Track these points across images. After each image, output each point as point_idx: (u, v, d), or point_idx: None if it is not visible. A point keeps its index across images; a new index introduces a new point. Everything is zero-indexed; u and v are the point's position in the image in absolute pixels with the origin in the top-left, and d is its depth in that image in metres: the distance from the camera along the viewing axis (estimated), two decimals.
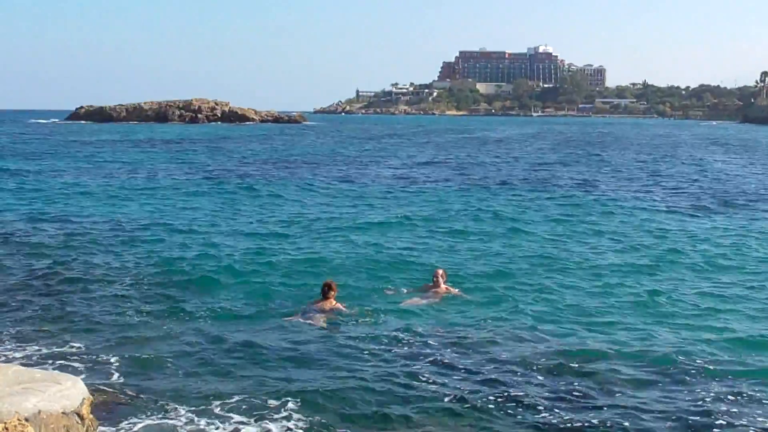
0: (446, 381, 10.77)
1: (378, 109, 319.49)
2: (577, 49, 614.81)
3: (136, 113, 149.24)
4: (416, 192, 34.46)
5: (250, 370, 11.29)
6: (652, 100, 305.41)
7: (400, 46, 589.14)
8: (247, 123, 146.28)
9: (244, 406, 9.88)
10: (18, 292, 15.56)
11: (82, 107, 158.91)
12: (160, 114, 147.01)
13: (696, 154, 66.91)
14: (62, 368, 10.90)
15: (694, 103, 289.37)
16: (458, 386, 10.54)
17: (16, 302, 14.78)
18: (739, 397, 10.20)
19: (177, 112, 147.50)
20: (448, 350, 12.16)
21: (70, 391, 7.72)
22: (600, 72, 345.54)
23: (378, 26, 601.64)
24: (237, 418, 9.54)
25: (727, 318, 13.97)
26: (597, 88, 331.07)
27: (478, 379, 10.89)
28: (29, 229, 22.97)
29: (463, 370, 11.25)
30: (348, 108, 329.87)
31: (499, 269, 17.91)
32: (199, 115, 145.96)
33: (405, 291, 15.84)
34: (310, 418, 9.54)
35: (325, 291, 14.28)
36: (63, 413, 7.46)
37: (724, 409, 9.86)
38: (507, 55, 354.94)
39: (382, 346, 12.29)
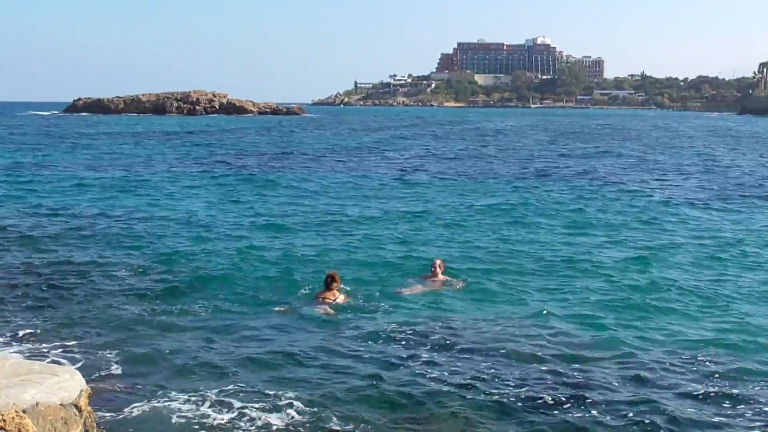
0: (445, 373, 10.76)
1: (376, 101, 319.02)
2: (575, 40, 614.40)
3: (134, 105, 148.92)
4: (415, 184, 34.44)
5: (248, 361, 11.27)
6: (651, 91, 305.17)
7: (398, 38, 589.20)
8: (246, 115, 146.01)
9: (242, 397, 9.88)
10: (15, 284, 15.52)
11: (80, 99, 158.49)
12: (158, 106, 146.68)
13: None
14: (60, 360, 10.90)
15: (692, 94, 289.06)
16: (458, 381, 10.51)
17: (14, 294, 14.76)
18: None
19: (175, 104, 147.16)
20: (447, 343, 12.14)
21: (68, 383, 7.69)
22: (598, 63, 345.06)
23: (376, 18, 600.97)
24: (235, 408, 9.53)
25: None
26: (595, 80, 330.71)
27: (477, 373, 10.85)
28: (25, 222, 22.94)
29: (461, 364, 11.23)
30: (346, 100, 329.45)
31: (498, 262, 17.90)
32: (197, 107, 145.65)
33: (404, 281, 15.91)
34: (309, 409, 9.54)
35: (328, 282, 14.36)
36: (61, 405, 7.43)
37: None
38: (505, 47, 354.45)
39: (382, 339, 12.28)
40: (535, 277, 16.38)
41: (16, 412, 6.94)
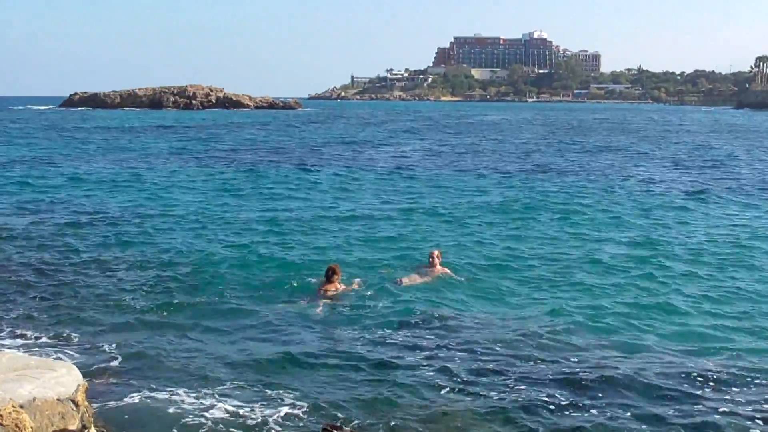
0: (445, 369, 10.72)
1: (373, 95, 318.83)
2: (572, 34, 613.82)
3: (131, 99, 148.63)
4: (414, 178, 34.41)
5: (247, 356, 11.23)
6: (647, 85, 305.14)
7: (394, 32, 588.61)
8: (243, 109, 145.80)
9: (240, 392, 9.85)
10: (12, 279, 15.46)
11: (76, 93, 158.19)
12: (155, 100, 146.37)
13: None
14: (57, 355, 10.86)
15: (689, 88, 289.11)
16: (458, 378, 10.47)
17: (11, 290, 14.70)
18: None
19: (171, 99, 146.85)
20: (446, 337, 12.13)
21: (65, 378, 7.66)
22: (595, 57, 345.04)
23: (373, 12, 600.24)
24: (233, 403, 9.49)
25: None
26: (592, 74, 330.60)
27: (477, 369, 10.81)
28: (21, 216, 22.87)
29: (460, 359, 11.21)
30: (343, 94, 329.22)
31: (496, 256, 17.88)
32: (194, 102, 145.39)
33: (403, 272, 16.01)
34: (307, 403, 9.51)
35: (329, 275, 14.44)
36: (58, 400, 7.41)
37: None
38: (502, 41, 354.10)
39: (381, 334, 12.27)
40: (533, 271, 16.32)
41: (13, 407, 6.91)
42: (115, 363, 10.89)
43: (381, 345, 11.76)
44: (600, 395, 9.88)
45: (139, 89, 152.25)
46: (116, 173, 35.25)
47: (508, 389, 10.03)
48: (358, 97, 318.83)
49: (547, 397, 9.79)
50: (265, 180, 33.14)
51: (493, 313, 13.47)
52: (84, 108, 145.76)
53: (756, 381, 10.44)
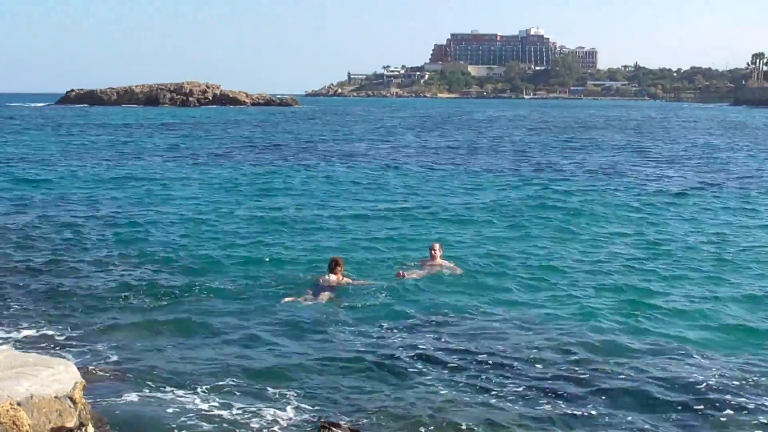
0: (446, 367, 10.70)
1: (370, 92, 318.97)
2: (569, 31, 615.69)
3: (127, 96, 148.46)
4: (413, 176, 34.39)
5: (246, 354, 11.19)
6: (644, 82, 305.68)
7: (391, 29, 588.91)
8: (239, 106, 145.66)
9: (238, 389, 9.81)
10: (9, 276, 15.41)
11: (72, 90, 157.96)
12: (151, 97, 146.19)
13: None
14: (54, 352, 10.83)
15: (685, 85, 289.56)
16: (458, 375, 10.45)
17: (8, 287, 14.64)
18: None
19: (168, 96, 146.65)
20: (447, 332, 12.11)
21: (62, 375, 7.64)
22: (592, 54, 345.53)
23: (370, 9, 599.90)
24: (231, 400, 9.45)
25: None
26: (589, 71, 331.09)
27: (477, 366, 10.77)
28: (19, 215, 22.79)
29: (460, 354, 11.19)
30: (339, 91, 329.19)
31: (495, 252, 17.86)
32: (191, 98, 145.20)
33: (404, 265, 16.09)
34: (306, 400, 9.48)
35: (332, 266, 14.58)
36: (55, 397, 7.39)
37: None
38: (499, 38, 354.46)
39: (383, 328, 12.29)
40: (532, 269, 16.28)
41: (10, 404, 6.88)
42: (112, 361, 10.84)
43: (381, 342, 11.72)
44: (600, 395, 9.83)
45: (136, 86, 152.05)
46: (113, 170, 35.17)
47: (508, 388, 9.99)
48: (354, 93, 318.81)
49: (547, 395, 9.76)
50: (262, 177, 33.07)
51: (493, 309, 13.43)
52: (81, 105, 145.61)
53: (757, 381, 10.37)
